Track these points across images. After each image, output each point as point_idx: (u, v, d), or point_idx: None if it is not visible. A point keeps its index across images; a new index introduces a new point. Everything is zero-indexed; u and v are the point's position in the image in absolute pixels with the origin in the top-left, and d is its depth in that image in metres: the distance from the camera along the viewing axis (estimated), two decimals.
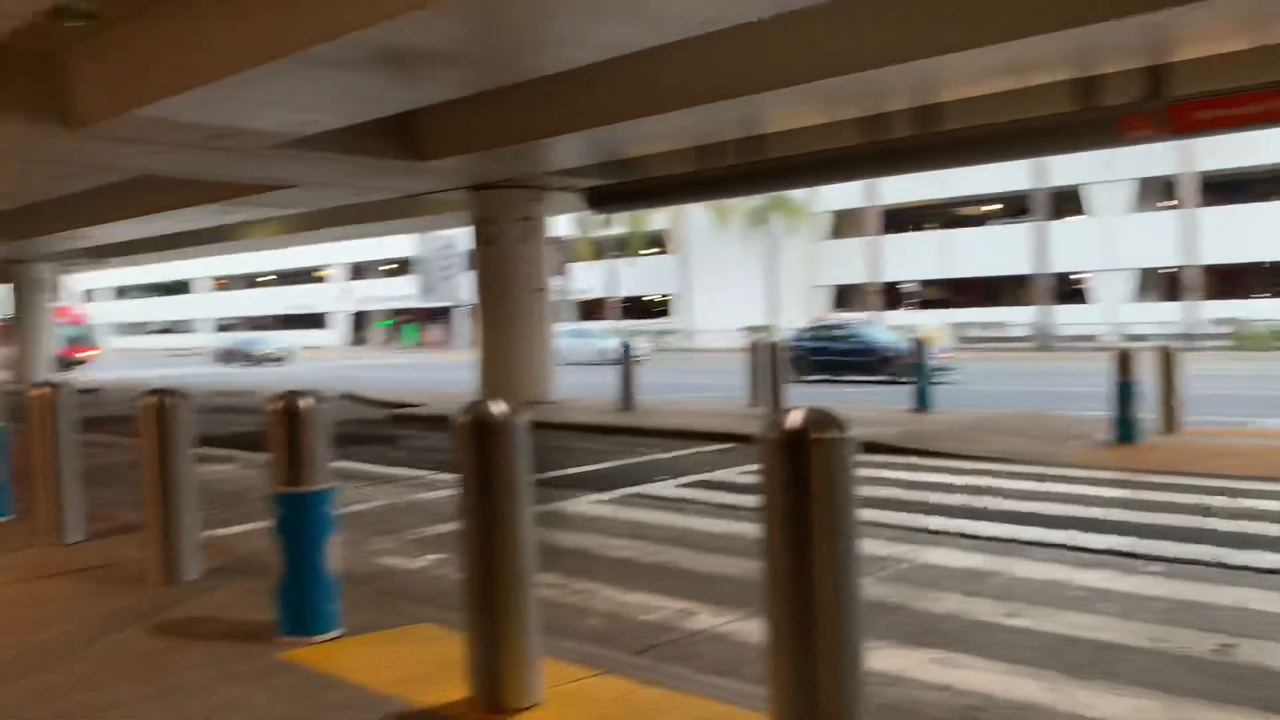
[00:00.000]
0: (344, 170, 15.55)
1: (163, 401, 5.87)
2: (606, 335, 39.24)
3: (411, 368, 37.02)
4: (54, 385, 7.41)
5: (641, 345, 30.10)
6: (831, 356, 25.45)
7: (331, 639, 4.65)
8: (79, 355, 42.10)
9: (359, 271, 66.62)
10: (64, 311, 47.12)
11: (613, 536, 7.59)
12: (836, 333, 26.84)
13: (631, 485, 9.78)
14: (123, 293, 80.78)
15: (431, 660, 4.33)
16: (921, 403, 15.03)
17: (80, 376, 33.28)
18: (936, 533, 7.40)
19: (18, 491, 7.84)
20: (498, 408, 3.87)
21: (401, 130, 14.54)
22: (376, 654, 4.46)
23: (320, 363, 45.24)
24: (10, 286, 32.66)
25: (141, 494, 5.88)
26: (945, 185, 42.45)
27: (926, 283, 49.53)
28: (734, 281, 51.51)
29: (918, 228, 50.52)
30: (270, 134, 12.63)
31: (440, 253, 52.28)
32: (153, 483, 5.81)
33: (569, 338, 35.72)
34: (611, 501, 9.07)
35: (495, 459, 3.80)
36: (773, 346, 15.52)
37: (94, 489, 7.73)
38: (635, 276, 55.80)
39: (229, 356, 47.24)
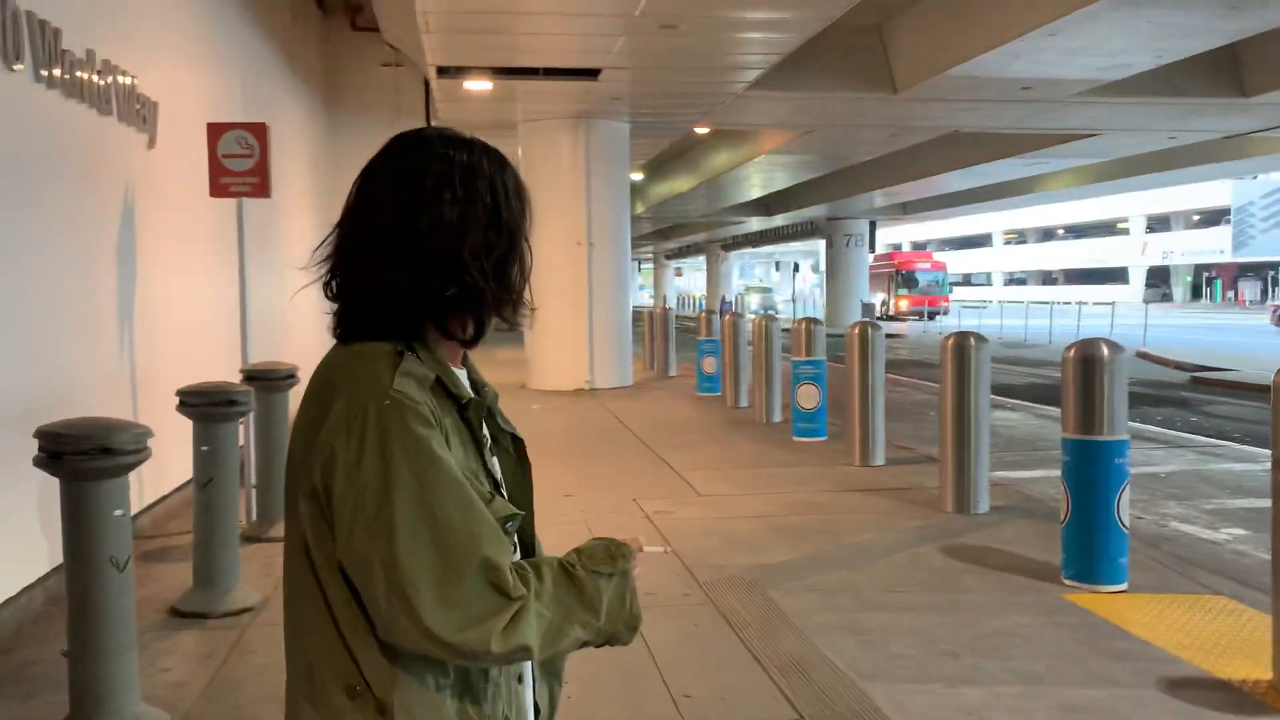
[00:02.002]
0: (1152, 114, 14.64)
1: (964, 344, 6.31)
2: None
3: (1220, 329, 33.47)
4: (867, 327, 8.36)
5: None
6: None
7: (1117, 591, 4.60)
8: (938, 305, 40.76)
9: (1159, 223, 62.05)
10: (923, 258, 45.11)
11: None
12: None
13: None
14: (920, 246, 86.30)
15: (1226, 633, 4.05)
16: None
17: (891, 323, 34.51)
18: None
19: (831, 417, 9.08)
20: None
21: (1221, 65, 13.18)
22: (1164, 615, 4.31)
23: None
24: (824, 241, 37.00)
25: (940, 429, 6.40)
26: None
27: None
28: None
29: None
30: (1076, 81, 12.42)
31: (1261, 200, 46.35)
32: (951, 419, 6.29)
33: None
34: None
35: None
36: None
37: (892, 422, 8.58)
38: None
39: None
